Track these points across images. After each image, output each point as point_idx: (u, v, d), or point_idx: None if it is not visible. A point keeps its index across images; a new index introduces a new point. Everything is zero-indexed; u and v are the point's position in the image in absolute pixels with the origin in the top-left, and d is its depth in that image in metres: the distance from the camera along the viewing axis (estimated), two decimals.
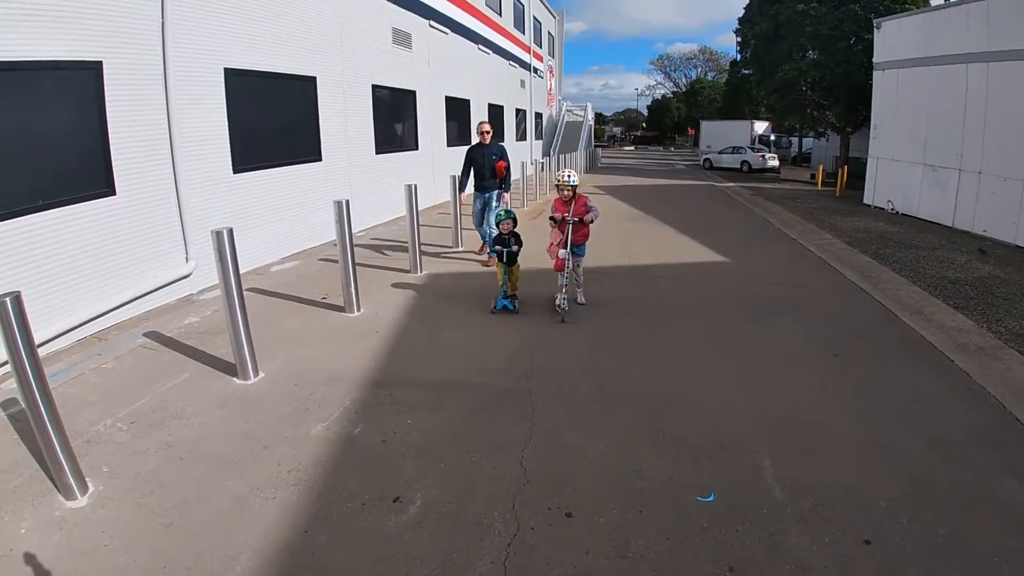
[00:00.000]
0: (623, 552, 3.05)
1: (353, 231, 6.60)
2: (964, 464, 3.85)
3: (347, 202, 6.33)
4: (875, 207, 16.95)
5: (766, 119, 42.51)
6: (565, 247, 6.33)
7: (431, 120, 14.56)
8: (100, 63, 5.85)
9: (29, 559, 2.91)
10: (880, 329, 6.54)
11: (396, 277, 8.13)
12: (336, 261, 6.67)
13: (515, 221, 6.74)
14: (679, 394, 4.82)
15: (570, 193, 6.48)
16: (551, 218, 6.56)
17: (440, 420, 4.35)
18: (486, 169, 8.69)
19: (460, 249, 9.93)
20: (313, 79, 9.64)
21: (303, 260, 9.06)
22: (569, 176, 6.50)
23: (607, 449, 3.97)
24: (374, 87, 11.59)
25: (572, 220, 6.35)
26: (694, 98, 75.03)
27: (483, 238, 9.17)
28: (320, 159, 9.83)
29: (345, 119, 10.54)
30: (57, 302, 5.46)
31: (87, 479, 3.49)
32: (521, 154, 22.02)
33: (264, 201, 8.50)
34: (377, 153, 11.71)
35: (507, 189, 8.82)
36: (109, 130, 5.96)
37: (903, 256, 10.38)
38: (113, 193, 6.08)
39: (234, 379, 4.92)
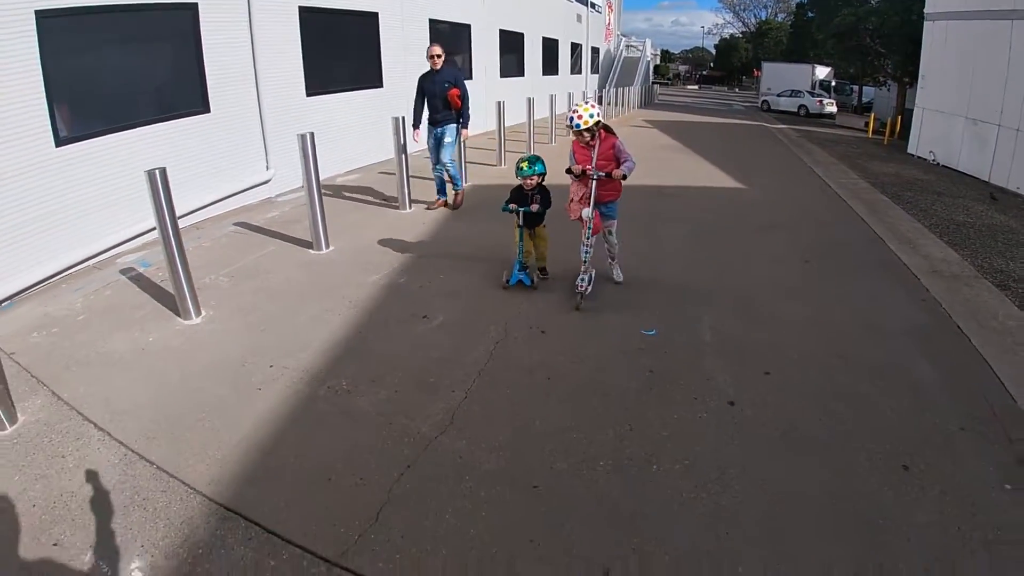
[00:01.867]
0: (577, 357, 4.29)
1: (408, 148, 7.82)
2: (888, 347, 4.75)
3: (403, 118, 7.55)
4: (918, 156, 17.06)
5: (828, 65, 41.40)
6: (588, 205, 4.90)
7: (485, 52, 15.51)
8: (196, 4, 7.11)
9: (160, 352, 4.30)
10: (864, 250, 7.35)
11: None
12: (393, 174, 7.97)
13: (543, 174, 5.22)
14: (659, 273, 5.97)
15: (588, 136, 4.90)
16: (568, 170, 5.04)
17: (464, 276, 5.68)
18: (438, 99, 7.55)
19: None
20: (375, 14, 10.76)
21: (364, 173, 10.38)
22: (573, 119, 4.81)
23: (584, 301, 5.15)
24: (431, 20, 12.63)
25: (595, 175, 4.84)
26: (761, 39, 72.44)
27: (438, 184, 8.11)
28: (381, 86, 11.02)
29: (405, 49, 11.65)
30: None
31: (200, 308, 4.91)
32: (576, 87, 22.63)
33: (332, 121, 9.77)
34: None
35: (466, 123, 7.81)
36: (205, 60, 7.27)
37: (921, 199, 10.87)
38: (208, 111, 7.44)
39: (309, 250, 6.31)
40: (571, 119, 4.83)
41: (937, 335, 5.00)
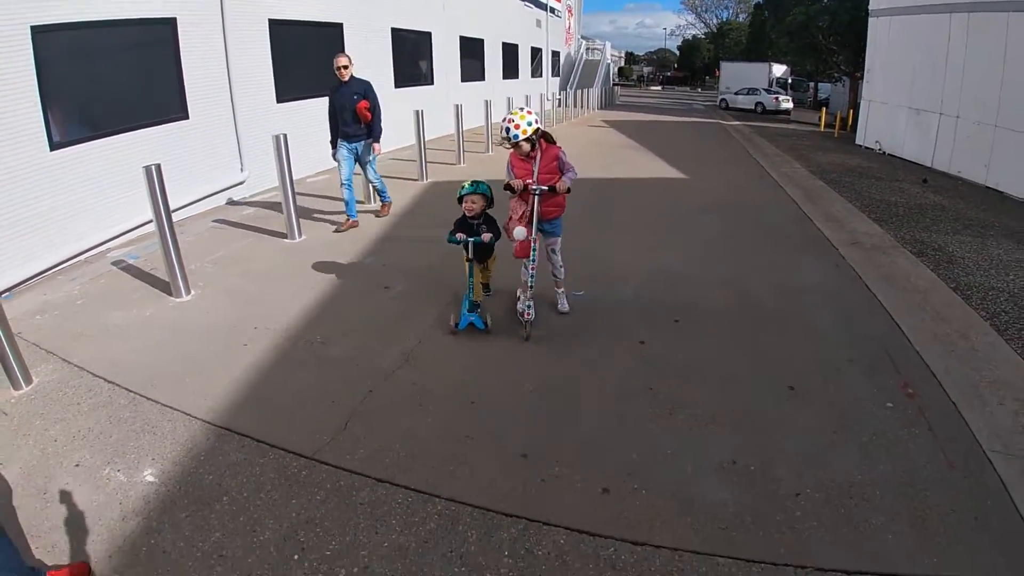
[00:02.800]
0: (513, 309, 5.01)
1: (391, 149, 8.45)
2: (794, 301, 5.51)
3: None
4: (865, 147, 18.10)
5: (785, 63, 42.82)
6: (528, 224, 4.48)
7: (446, 58, 16.20)
8: (175, 19, 7.69)
9: (157, 323, 4.90)
10: (791, 228, 8.16)
11: (404, 185, 10.02)
12: (359, 174, 8.60)
13: (488, 198, 4.65)
14: (595, 250, 6.71)
15: (527, 147, 4.39)
16: (507, 186, 4.51)
17: (423, 257, 6.35)
18: (347, 113, 7.02)
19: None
20: (340, 25, 11.40)
21: (333, 174, 10.98)
22: (509, 129, 4.30)
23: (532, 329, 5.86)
24: (393, 29, 13.29)
25: (537, 190, 4.40)
26: (722, 39, 74.10)
27: (348, 205, 7.39)
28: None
29: (368, 57, 12.28)
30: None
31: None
32: (537, 89, 23.39)
33: (301, 126, 10.36)
34: (396, 87, 13.48)
35: (377, 137, 7.27)
36: (184, 69, 7.86)
37: (858, 184, 11.77)
38: (188, 117, 8.02)
39: (285, 239, 6.94)
40: (506, 129, 4.29)
41: (844, 292, 5.80)
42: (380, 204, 8.11)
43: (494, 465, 3.20)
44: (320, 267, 6.06)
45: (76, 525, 2.79)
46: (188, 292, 5.40)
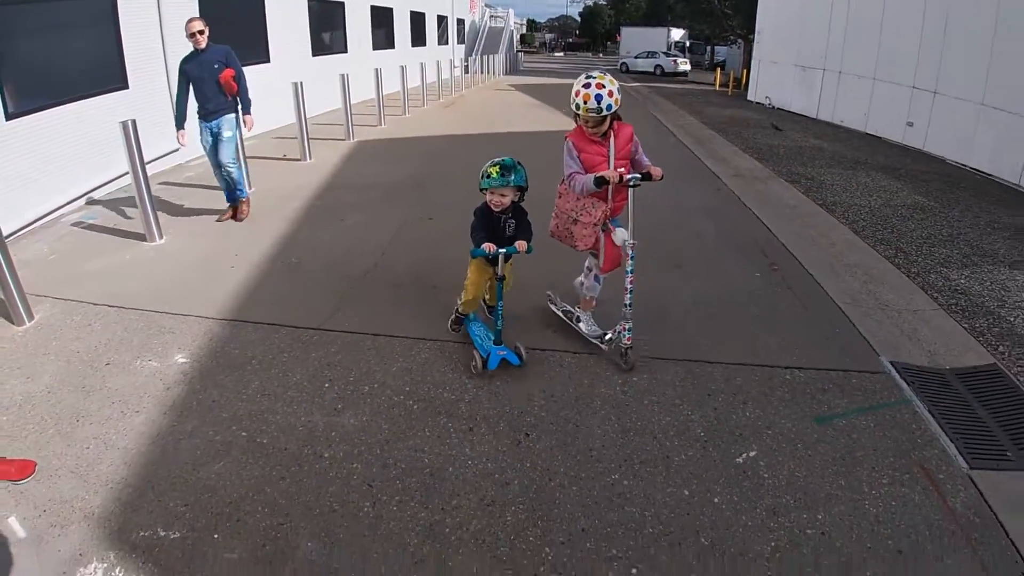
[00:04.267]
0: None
1: (314, 114, 8.99)
2: (683, 215, 6.64)
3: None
4: (756, 102, 19.80)
5: (684, 27, 44.72)
6: (610, 222, 3.67)
7: (358, 28, 16.60)
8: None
9: (140, 263, 5.45)
10: (682, 166, 9.33)
11: (334, 144, 10.60)
12: (294, 138, 9.18)
13: (521, 189, 3.57)
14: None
15: (602, 124, 3.45)
16: (600, 180, 3.39)
17: (363, 196, 7.14)
18: (207, 85, 6.00)
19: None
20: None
21: (260, 139, 11.44)
22: (601, 97, 3.29)
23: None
24: (309, 4, 13.64)
25: (632, 180, 3.47)
26: (623, 5, 75.56)
27: (226, 189, 6.51)
28: (268, 61, 12.03)
29: (287, 28, 12.65)
30: (101, 160, 7.76)
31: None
32: (444, 57, 23.91)
33: None
34: (314, 55, 13.89)
35: (247, 109, 6.32)
36: (123, 42, 8.12)
37: (745, 132, 13.23)
38: (127, 87, 8.36)
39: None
40: (597, 98, 3.27)
41: (725, 209, 7.06)
42: (228, 205, 6.55)
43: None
44: (276, 208, 6.74)
45: (123, 402, 3.32)
46: (161, 237, 5.92)
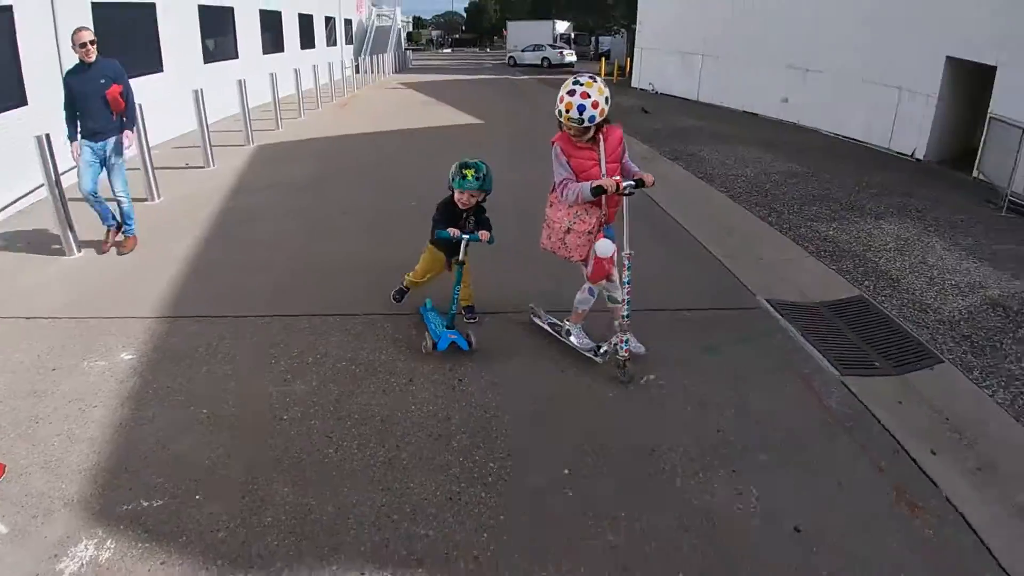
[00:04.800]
0: (370, 224, 6.17)
1: (210, 120, 8.93)
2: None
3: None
4: (640, 89, 20.81)
5: (568, 19, 45.74)
6: (604, 233, 3.50)
7: (249, 32, 16.26)
8: (11, 7, 7.49)
9: (63, 277, 5.29)
10: None
11: (235, 150, 10.44)
12: (193, 147, 9.18)
13: (485, 192, 3.85)
14: (433, 174, 7.97)
15: (594, 129, 3.31)
16: (598, 188, 3.24)
17: (274, 196, 7.27)
18: (91, 100, 5.36)
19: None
20: (153, 5, 11.25)
21: (160, 150, 11.17)
22: (584, 107, 3.15)
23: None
24: (199, 7, 13.26)
25: (627, 188, 3.32)
26: (508, 0, 75.79)
27: (103, 217, 5.75)
28: (163, 70, 11.68)
29: (181, 36, 12.24)
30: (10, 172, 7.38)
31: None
32: (333, 59, 23.64)
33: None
34: (206, 63, 13.59)
35: (131, 124, 5.68)
36: (21, 58, 7.74)
37: (630, 118, 14.03)
38: (26, 103, 7.96)
39: (147, 201, 7.41)
40: (580, 108, 3.13)
41: None
42: (121, 233, 5.85)
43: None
44: (192, 210, 6.74)
45: (79, 400, 3.39)
46: (80, 251, 5.77)
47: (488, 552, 2.47)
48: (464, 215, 3.78)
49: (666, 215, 6.65)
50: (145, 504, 2.70)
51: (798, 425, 3.26)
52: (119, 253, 5.68)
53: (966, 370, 3.98)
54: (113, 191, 5.58)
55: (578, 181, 3.32)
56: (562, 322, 3.93)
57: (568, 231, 3.42)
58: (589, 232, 3.38)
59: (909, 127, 11.16)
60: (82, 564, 2.41)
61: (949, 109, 10.75)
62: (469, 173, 3.63)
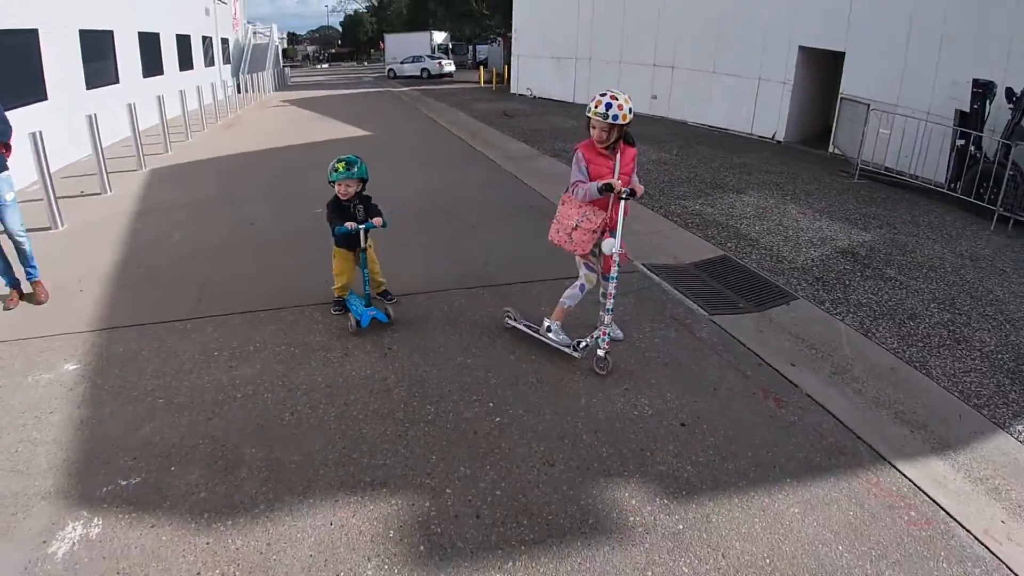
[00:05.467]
0: (277, 232, 6.47)
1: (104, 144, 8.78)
2: (468, 191, 7.89)
3: (95, 116, 8.15)
4: (519, 94, 21.57)
5: (446, 29, 45.99)
6: (612, 234, 3.70)
7: (128, 55, 15.71)
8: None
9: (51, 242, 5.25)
10: (460, 155, 10.60)
11: (128, 175, 10.06)
12: (83, 175, 8.97)
13: (363, 180, 4.25)
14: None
15: (614, 136, 3.65)
16: (606, 187, 3.57)
17: (179, 214, 7.37)
18: None
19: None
20: (35, 30, 10.63)
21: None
22: (611, 106, 3.52)
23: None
24: (81, 32, 12.60)
25: (625, 194, 3.63)
26: (384, 12, 74.64)
27: (3, 268, 4.86)
28: (47, 98, 11.14)
29: (62, 61, 11.61)
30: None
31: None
32: (212, 79, 23.02)
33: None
34: (88, 89, 13.10)
35: (5, 138, 4.67)
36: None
37: (511, 122, 14.82)
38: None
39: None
40: (607, 105, 3.48)
41: (502, 183, 8.38)
42: (11, 289, 4.94)
43: (317, 287, 4.90)
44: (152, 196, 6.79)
45: (32, 409, 3.47)
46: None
47: (439, 468, 3.03)
48: (351, 206, 4.12)
49: (546, 202, 7.38)
50: (123, 483, 2.93)
51: (676, 352, 3.99)
52: (37, 303, 4.96)
53: (818, 303, 4.84)
54: (11, 231, 4.80)
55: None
56: (540, 324, 4.17)
57: (575, 228, 3.73)
58: (594, 231, 3.68)
59: (769, 113, 12.48)
60: (73, 543, 2.57)
61: (804, 94, 12.14)
62: (340, 165, 4.02)
